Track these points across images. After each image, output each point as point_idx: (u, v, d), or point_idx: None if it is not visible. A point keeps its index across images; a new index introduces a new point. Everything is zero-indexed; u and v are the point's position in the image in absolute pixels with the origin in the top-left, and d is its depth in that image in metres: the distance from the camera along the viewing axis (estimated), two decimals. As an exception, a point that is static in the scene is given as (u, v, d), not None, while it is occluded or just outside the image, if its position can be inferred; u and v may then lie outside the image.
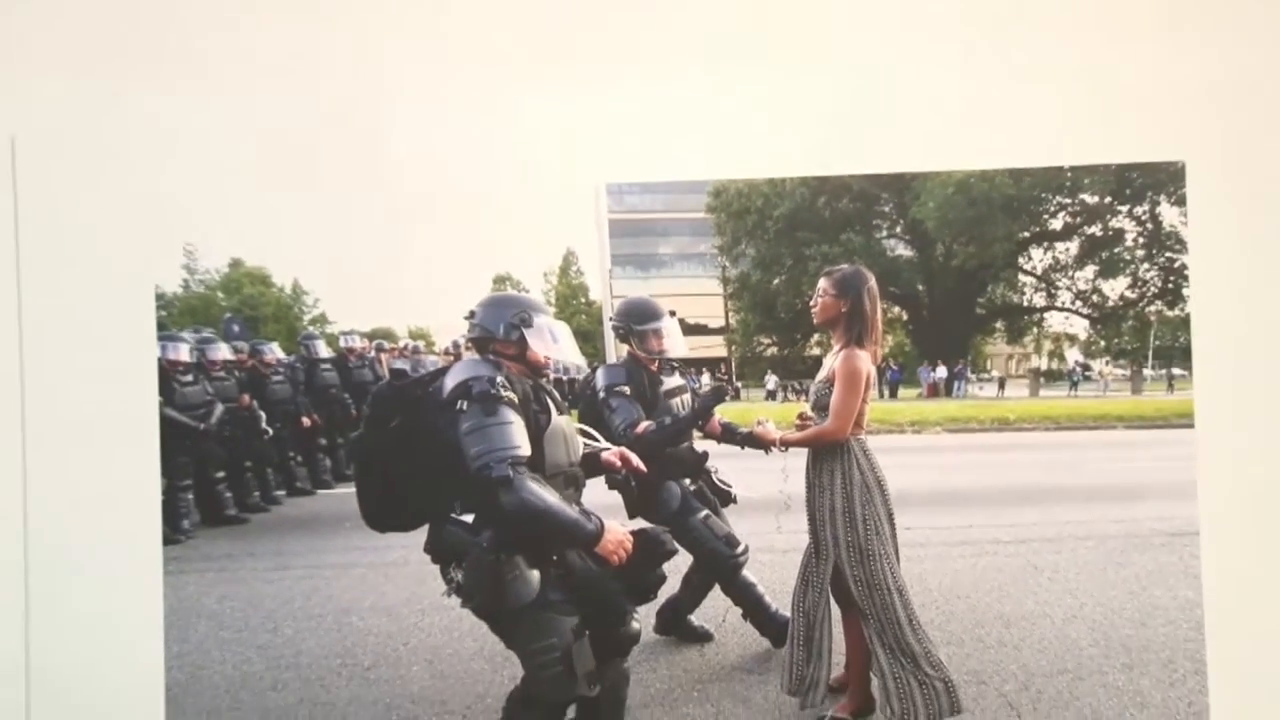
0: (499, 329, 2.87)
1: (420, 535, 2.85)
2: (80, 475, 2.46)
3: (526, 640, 2.74)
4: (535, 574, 2.74)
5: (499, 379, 2.71)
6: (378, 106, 2.51)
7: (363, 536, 2.97)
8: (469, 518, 2.76)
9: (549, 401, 2.88)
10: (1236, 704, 2.43)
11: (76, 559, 2.46)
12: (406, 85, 2.51)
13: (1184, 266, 2.29)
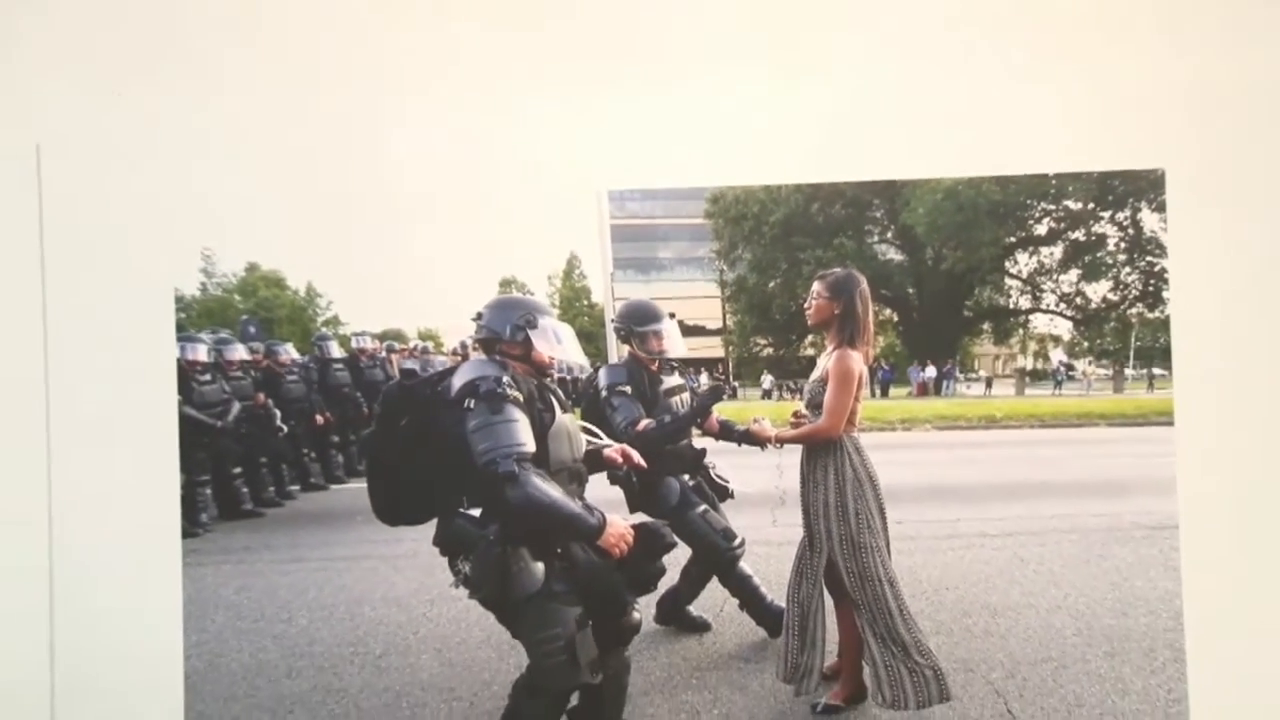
0: (505, 330, 2.87)
1: (429, 529, 2.86)
2: (102, 471, 2.46)
3: (532, 630, 2.74)
4: (540, 566, 2.74)
5: (505, 378, 2.72)
6: (389, 118, 2.51)
7: (374, 530, 2.96)
8: (476, 512, 2.76)
9: (553, 400, 2.89)
10: (1214, 690, 2.43)
11: (99, 552, 2.46)
12: (416, 99, 2.51)
13: (1164, 270, 2.29)
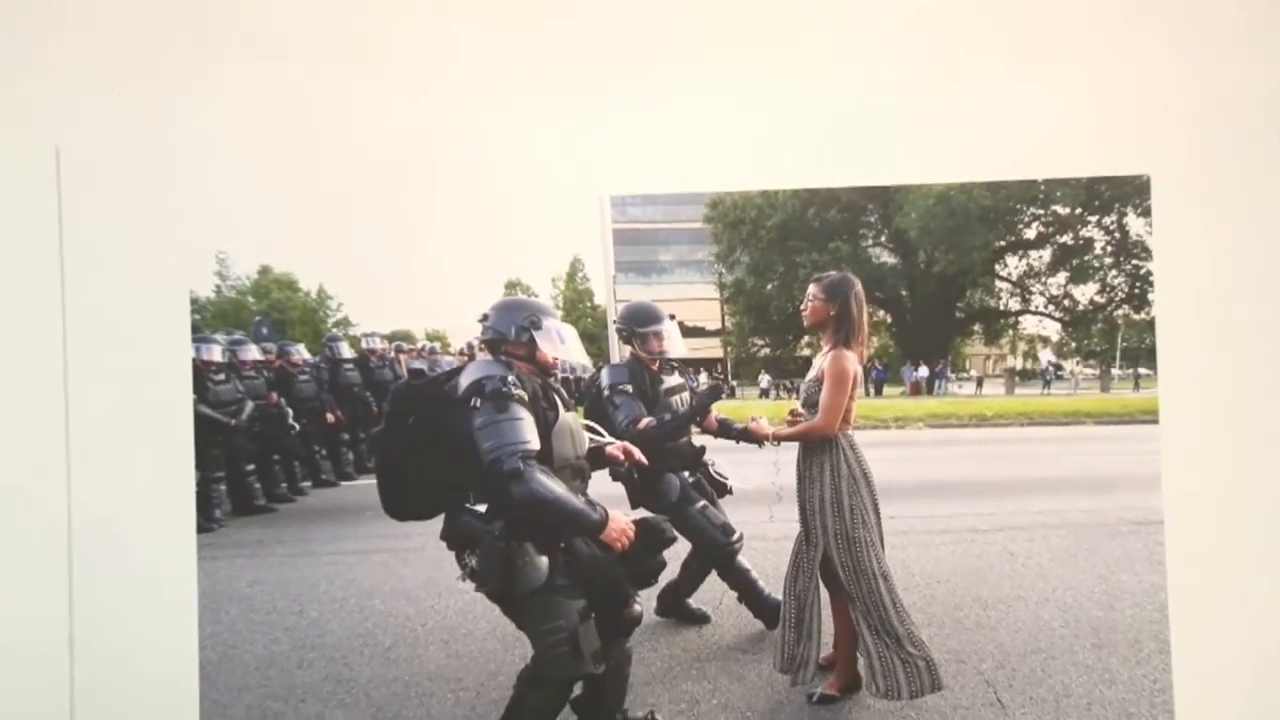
0: (510, 331, 2.87)
1: (437, 524, 2.86)
2: (120, 468, 2.47)
3: (536, 622, 2.75)
4: (544, 560, 2.74)
5: (510, 378, 2.73)
6: (399, 127, 2.51)
7: (383, 525, 2.96)
8: (482, 507, 2.77)
9: (557, 399, 2.89)
10: (1197, 680, 2.43)
11: (117, 546, 2.46)
12: (425, 108, 2.51)
13: (1149, 273, 2.29)
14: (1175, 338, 2.45)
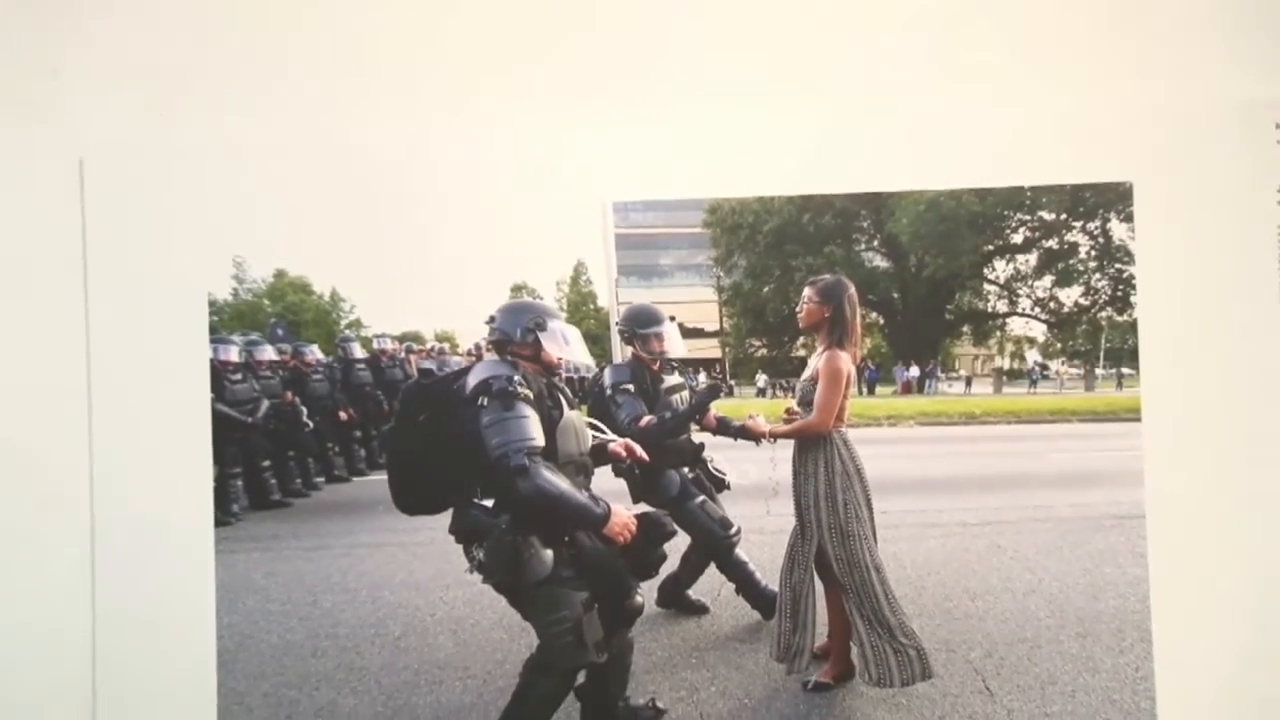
0: (516, 332, 2.88)
1: (445, 518, 2.86)
2: (141, 464, 2.47)
3: (541, 612, 2.75)
4: (549, 553, 2.74)
5: (516, 377, 2.73)
6: (409, 137, 2.52)
7: (394, 519, 2.96)
8: (489, 502, 2.77)
9: (561, 398, 2.90)
10: (1178, 669, 2.43)
11: (138, 539, 2.46)
12: (433, 120, 2.52)
13: (1132, 276, 2.30)
14: (1157, 339, 2.45)
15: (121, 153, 2.47)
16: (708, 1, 2.49)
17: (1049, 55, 2.49)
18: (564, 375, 2.97)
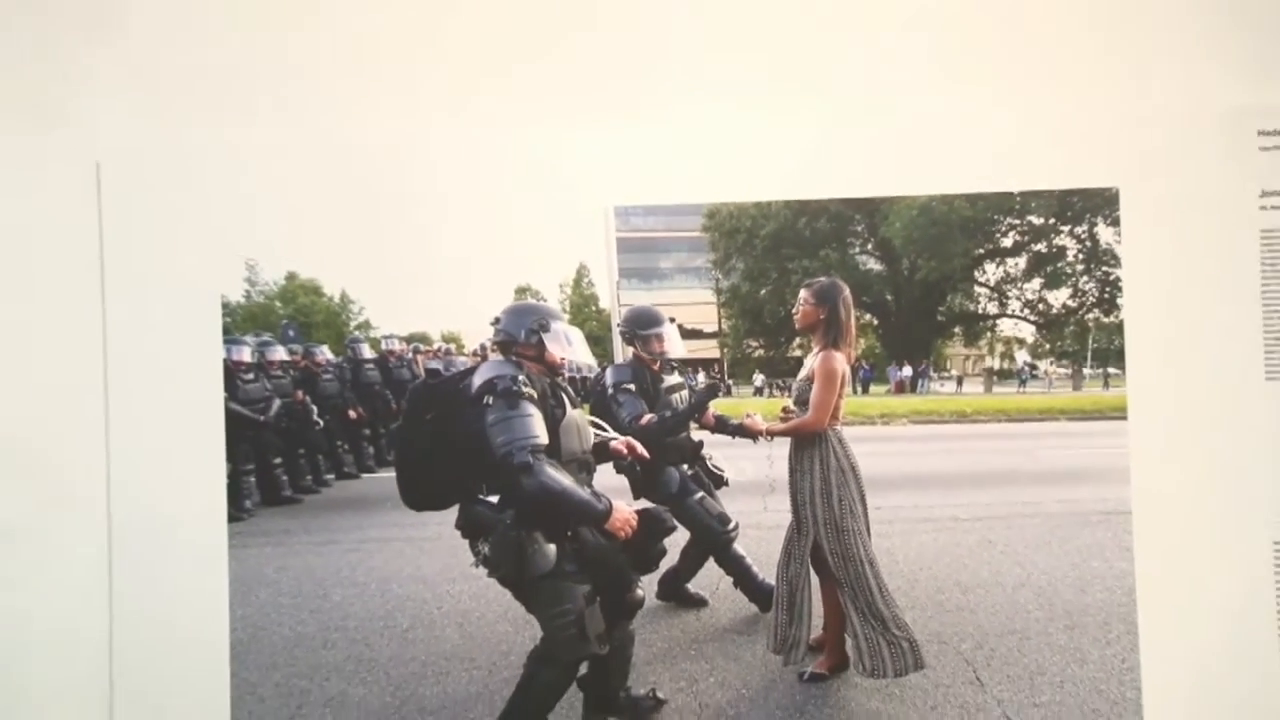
0: (520, 333, 2.88)
1: (452, 514, 2.87)
2: (156, 461, 2.47)
3: (545, 605, 2.75)
4: (552, 547, 2.75)
5: (520, 377, 2.73)
6: (417, 145, 2.52)
7: (402, 515, 2.97)
8: (494, 498, 2.78)
9: (564, 397, 2.90)
10: (1163, 660, 2.43)
11: (153, 534, 2.46)
12: (440, 127, 2.52)
13: (1118, 279, 2.31)
14: (1142, 340, 2.45)
15: (137, 158, 2.47)
16: (706, 13, 2.49)
17: (1038, 65, 2.49)
18: (567, 375, 2.98)
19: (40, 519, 2.44)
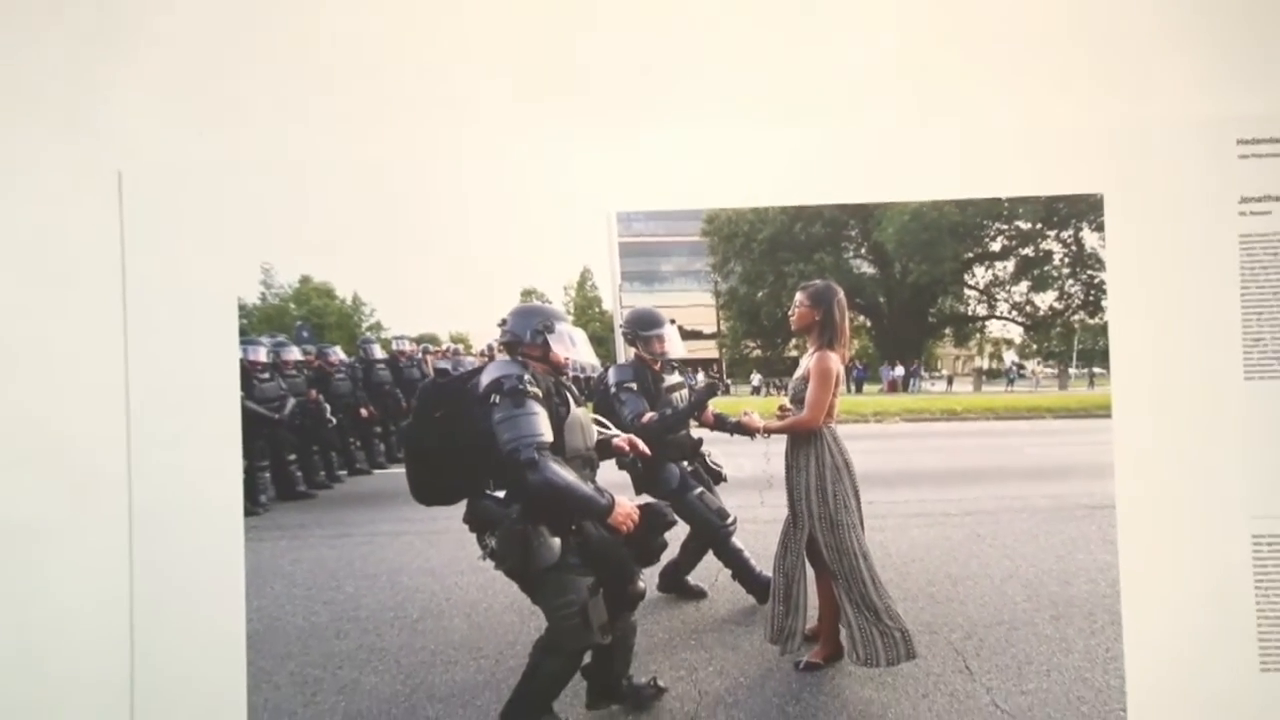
0: (526, 334, 2.89)
1: (460, 508, 2.87)
2: (174, 459, 2.47)
3: (550, 597, 2.76)
4: (557, 541, 2.75)
5: (526, 377, 2.74)
6: (427, 153, 2.52)
7: (411, 509, 2.97)
8: (501, 493, 2.79)
9: (568, 396, 2.90)
10: (1145, 649, 2.44)
11: (172, 529, 2.47)
12: (450, 135, 2.52)
13: (1103, 282, 2.29)
14: (1126, 340, 2.46)
15: (157, 166, 2.47)
16: (705, 29, 2.50)
17: (1026, 78, 2.49)
18: (571, 374, 2.98)
19: (65, 513, 2.45)
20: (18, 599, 2.46)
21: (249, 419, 2.58)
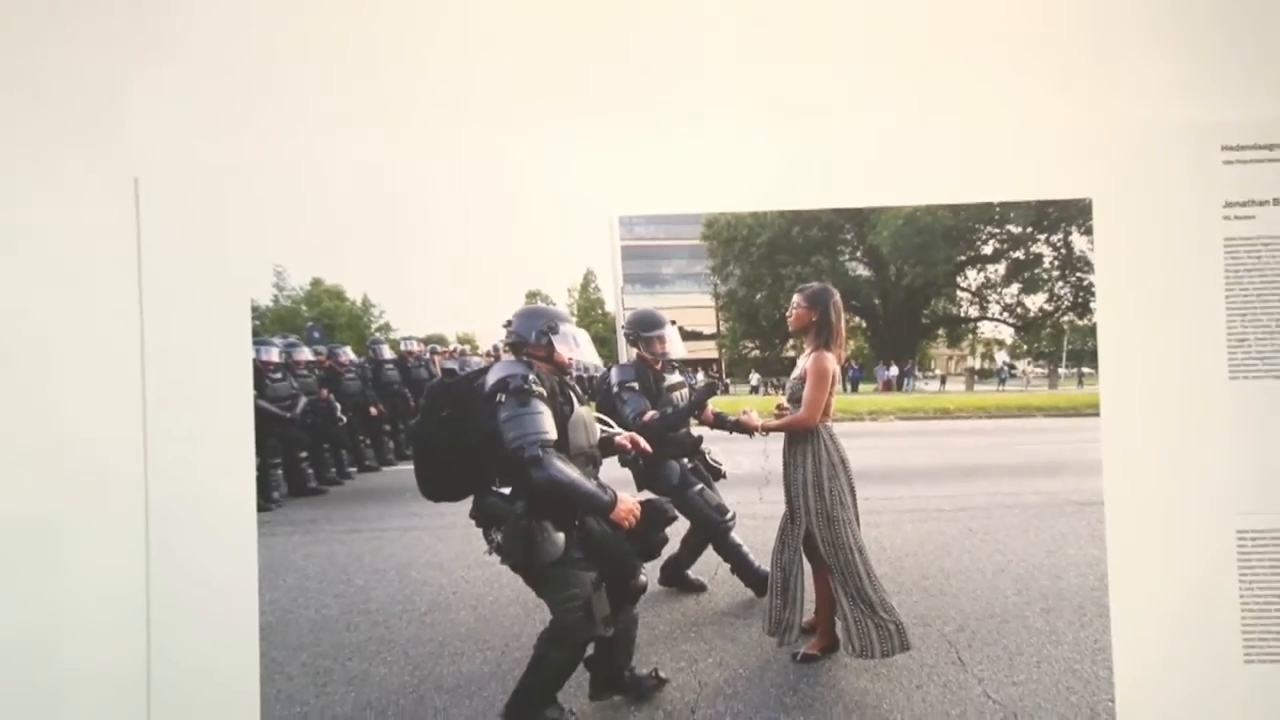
0: (531, 335, 2.88)
1: (466, 504, 2.87)
2: (190, 456, 2.48)
3: (554, 590, 2.76)
4: (561, 536, 2.75)
5: (531, 376, 2.74)
6: (435, 160, 2.53)
7: (420, 505, 2.97)
8: (506, 490, 2.78)
9: (572, 395, 2.90)
10: (1133, 641, 2.44)
11: (188, 524, 2.47)
12: (457, 141, 2.53)
13: (1091, 284, 2.30)
14: (1114, 341, 2.46)
15: (173, 173, 2.48)
16: (704, 39, 2.50)
17: (1019, 86, 2.50)
18: (574, 374, 2.98)
19: (84, 509, 2.46)
20: (38, 592, 2.46)
21: (262, 417, 2.59)
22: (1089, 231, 2.48)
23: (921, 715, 2.90)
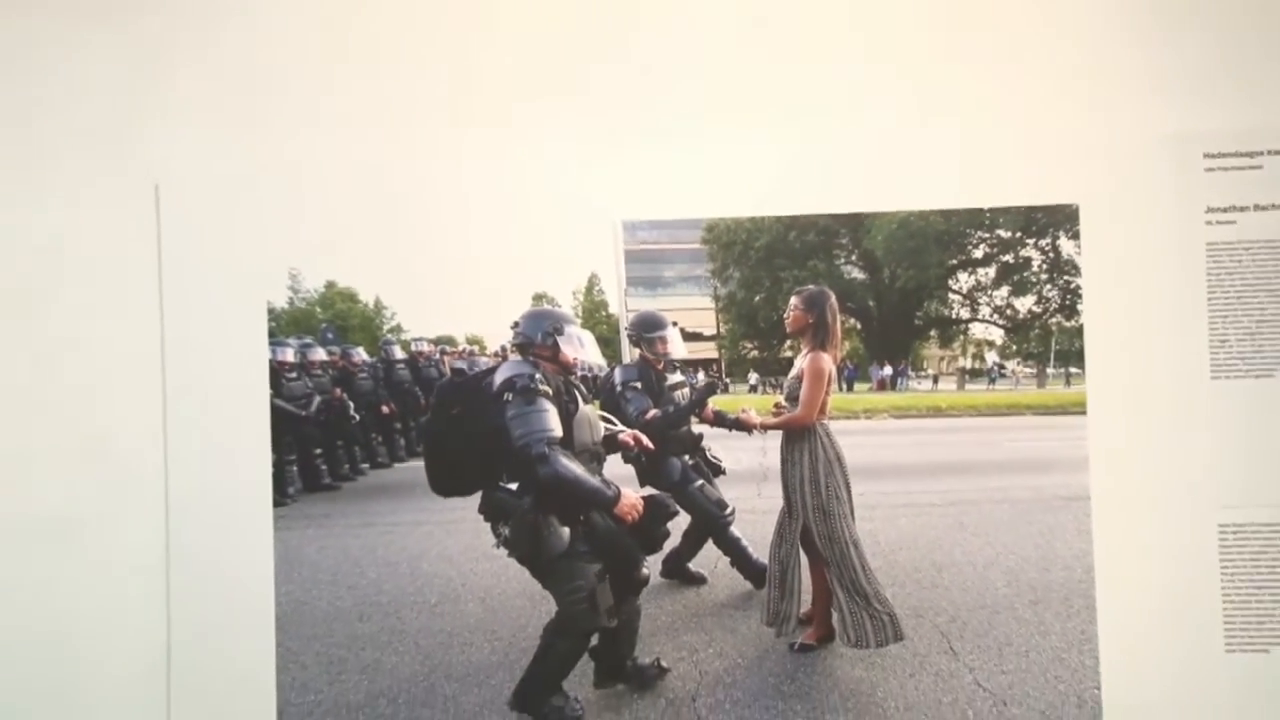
0: (537, 336, 2.89)
1: (475, 500, 2.88)
2: (209, 453, 2.49)
3: (559, 582, 2.77)
4: (566, 530, 2.76)
5: (537, 376, 2.75)
6: (443, 165, 2.53)
7: (430, 500, 2.98)
8: (514, 485, 2.79)
9: (577, 394, 2.91)
10: (1118, 631, 2.44)
11: (206, 519, 2.48)
12: (466, 147, 2.53)
13: (1078, 287, 2.29)
14: (1100, 342, 2.46)
15: (192, 180, 2.49)
16: (704, 50, 2.51)
17: (1007, 95, 2.50)
18: (579, 374, 2.98)
19: (107, 505, 2.47)
20: (62, 586, 2.48)
21: (278, 416, 2.59)
22: (1076, 236, 2.48)
23: (914, 703, 2.91)
